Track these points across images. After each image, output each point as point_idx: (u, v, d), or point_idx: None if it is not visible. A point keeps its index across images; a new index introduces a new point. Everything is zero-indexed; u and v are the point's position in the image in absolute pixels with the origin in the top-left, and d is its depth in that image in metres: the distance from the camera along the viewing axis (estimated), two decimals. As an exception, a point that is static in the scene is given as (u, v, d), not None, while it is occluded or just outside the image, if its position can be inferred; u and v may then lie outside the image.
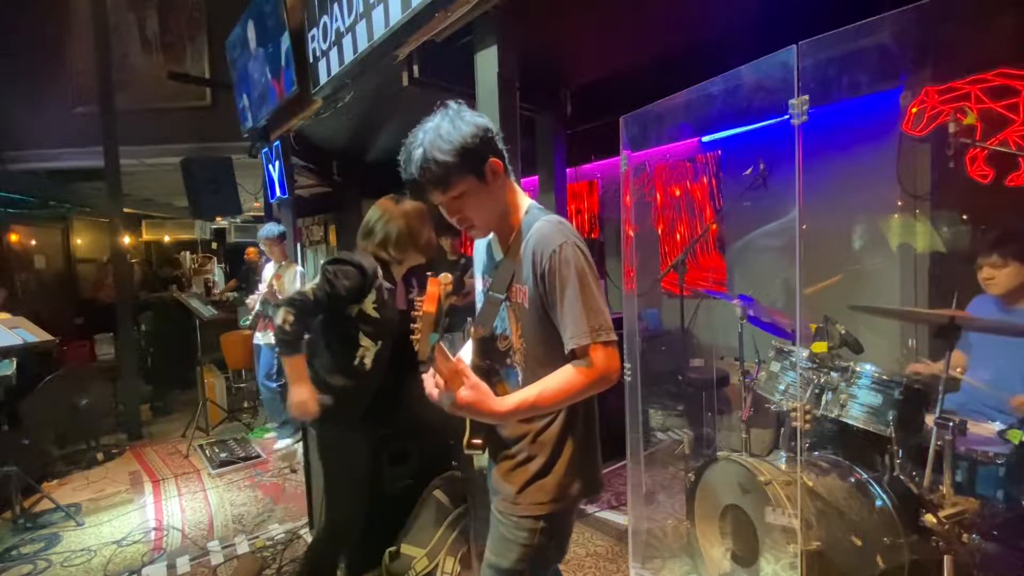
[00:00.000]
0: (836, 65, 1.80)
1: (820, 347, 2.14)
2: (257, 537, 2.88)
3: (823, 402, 2.08)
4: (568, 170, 4.46)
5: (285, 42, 4.03)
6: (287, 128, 4.81)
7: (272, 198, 5.33)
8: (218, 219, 9.09)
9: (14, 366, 3.32)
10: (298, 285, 4.21)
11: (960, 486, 1.75)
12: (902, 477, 1.87)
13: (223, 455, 4.04)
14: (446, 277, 1.09)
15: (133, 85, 5.65)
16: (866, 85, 2.99)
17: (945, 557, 1.65)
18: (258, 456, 4.02)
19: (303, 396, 1.86)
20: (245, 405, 5.29)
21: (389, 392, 2.10)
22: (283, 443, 4.19)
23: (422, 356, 1.02)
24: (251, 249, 6.97)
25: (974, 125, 2.36)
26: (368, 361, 1.98)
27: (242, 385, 5.53)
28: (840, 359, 2.16)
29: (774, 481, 1.86)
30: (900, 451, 1.89)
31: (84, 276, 7.65)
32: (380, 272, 1.99)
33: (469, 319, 3.00)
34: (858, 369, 2.02)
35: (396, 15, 2.82)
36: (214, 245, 10.34)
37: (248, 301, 4.32)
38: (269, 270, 4.31)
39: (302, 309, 1.83)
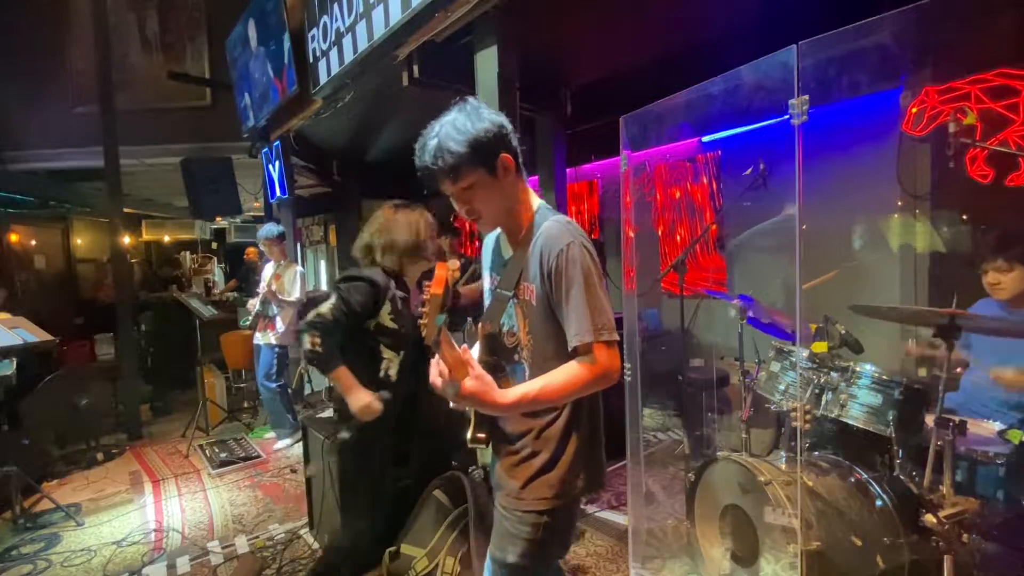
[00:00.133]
0: (836, 65, 1.80)
1: (820, 347, 2.14)
2: (257, 537, 2.88)
3: (823, 402, 2.08)
4: (568, 170, 4.46)
5: (287, 40, 4.03)
6: (287, 128, 4.81)
7: (272, 198, 5.34)
8: (218, 219, 9.10)
9: (14, 366, 3.32)
10: (298, 285, 4.21)
11: (960, 486, 1.75)
12: (902, 477, 1.87)
13: (223, 455, 4.04)
14: (454, 263, 1.13)
15: (133, 85, 5.65)
16: (866, 85, 2.99)
17: (945, 557, 1.65)
18: (258, 456, 4.02)
19: (363, 400, 1.89)
20: (245, 405, 5.29)
21: (415, 400, 2.11)
22: (283, 443, 4.19)
23: (429, 339, 1.04)
24: (251, 249, 6.98)
25: (974, 125, 2.35)
26: (393, 372, 2.00)
27: (242, 385, 5.53)
28: (840, 359, 2.16)
29: (774, 481, 1.86)
30: (900, 451, 1.89)
31: (84, 276, 7.66)
32: (392, 283, 2.00)
33: (469, 319, 3.01)
34: (858, 369, 2.02)
35: (396, 15, 2.82)
36: (214, 245, 10.35)
37: (249, 305, 4.32)
38: (269, 270, 4.31)
39: (324, 330, 1.87)
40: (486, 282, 1.43)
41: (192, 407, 4.73)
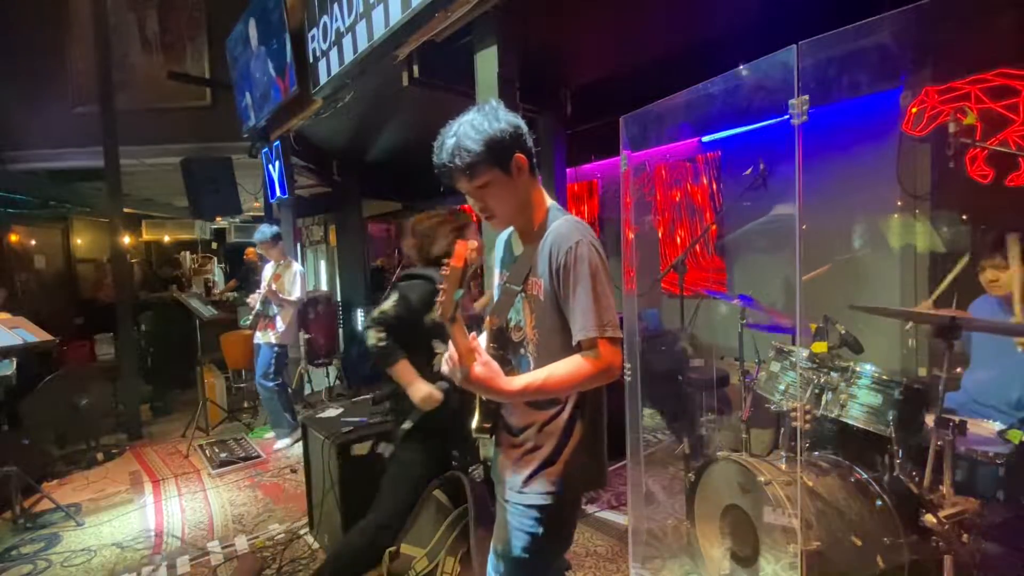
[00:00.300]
0: (836, 65, 1.80)
1: (820, 347, 2.14)
2: (257, 537, 2.88)
3: (823, 402, 2.08)
4: (568, 170, 4.46)
5: (289, 38, 4.03)
6: (287, 128, 4.81)
7: (272, 198, 5.34)
8: (218, 219, 9.09)
9: (14, 366, 3.32)
10: (298, 284, 4.22)
11: (960, 486, 1.75)
12: (902, 477, 1.87)
13: (223, 455, 4.04)
14: (473, 242, 1.16)
15: (133, 85, 5.65)
16: (866, 85, 2.99)
17: (945, 557, 1.65)
18: (258, 456, 4.02)
19: (424, 390, 1.97)
20: (245, 405, 5.29)
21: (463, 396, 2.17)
22: (283, 443, 4.19)
23: (445, 314, 1.07)
24: (251, 249, 6.97)
25: (974, 125, 2.35)
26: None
27: (242, 385, 5.53)
28: (840, 359, 2.16)
29: (774, 481, 1.86)
30: (900, 451, 1.89)
31: (84, 276, 7.66)
32: None
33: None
34: (858, 369, 2.02)
35: (396, 15, 2.82)
36: (214, 245, 10.35)
37: (249, 301, 4.32)
38: (269, 270, 4.31)
39: (387, 326, 1.97)
40: (495, 278, 1.47)
41: (192, 407, 4.73)
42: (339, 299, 6.69)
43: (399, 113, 4.45)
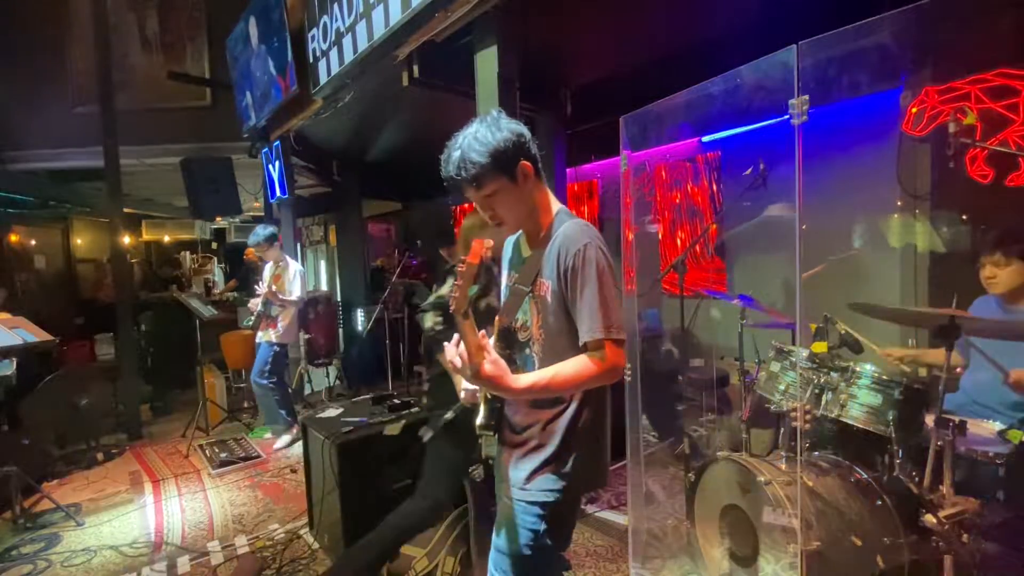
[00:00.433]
0: (836, 65, 1.80)
1: (820, 347, 2.14)
2: (257, 537, 2.88)
3: (823, 402, 2.08)
4: (568, 170, 4.45)
5: (289, 38, 4.03)
6: (287, 128, 4.81)
7: (272, 198, 5.34)
8: (218, 219, 9.09)
9: (14, 366, 3.32)
10: (298, 284, 4.22)
11: (960, 486, 1.75)
12: (902, 477, 1.87)
13: (223, 455, 4.04)
14: (488, 241, 1.19)
15: (133, 85, 5.65)
16: (866, 85, 2.99)
17: (945, 557, 1.65)
18: (258, 456, 4.02)
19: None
20: (245, 405, 5.28)
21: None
22: (282, 441, 4.20)
23: (459, 309, 1.12)
24: (251, 249, 6.98)
25: (974, 125, 2.35)
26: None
27: (242, 385, 5.53)
28: (840, 359, 2.15)
29: (774, 481, 1.86)
30: (900, 451, 1.89)
31: (84, 276, 7.66)
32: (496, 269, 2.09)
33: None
34: (858, 369, 2.02)
35: (396, 15, 2.82)
36: (214, 245, 10.35)
37: (251, 304, 4.33)
38: (268, 271, 4.32)
39: (445, 310, 1.96)
40: (504, 279, 1.51)
41: (192, 407, 4.73)
42: (339, 299, 6.69)
43: (399, 113, 4.45)
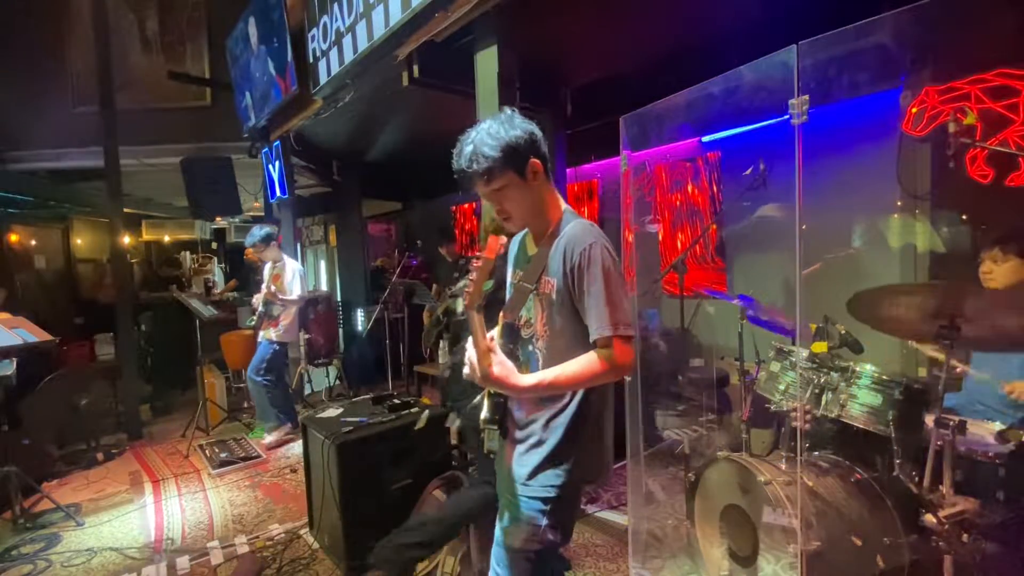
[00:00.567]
0: (836, 65, 1.80)
1: (820, 347, 2.14)
2: (257, 537, 2.88)
3: (823, 402, 2.08)
4: (568, 170, 4.45)
5: (289, 38, 4.03)
6: (287, 128, 4.81)
7: (272, 198, 5.34)
8: (218, 219, 9.08)
9: (14, 366, 3.32)
10: (297, 282, 4.22)
11: (960, 486, 1.75)
12: (902, 477, 1.87)
13: (223, 455, 4.04)
14: (503, 238, 1.22)
15: (133, 85, 5.65)
16: (866, 85, 2.99)
17: (945, 557, 1.65)
18: (258, 456, 4.02)
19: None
20: (245, 405, 5.28)
21: None
22: (268, 439, 4.22)
23: (473, 303, 1.15)
24: (249, 250, 6.98)
25: (974, 125, 2.35)
26: None
27: (242, 385, 5.52)
28: (840, 359, 2.15)
29: (774, 481, 1.86)
30: (900, 451, 1.89)
31: (84, 276, 7.65)
32: None
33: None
34: (858, 369, 2.02)
35: (396, 15, 2.82)
36: (214, 245, 10.34)
37: (253, 301, 4.34)
38: (268, 270, 4.32)
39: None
40: (509, 277, 1.53)
41: (192, 407, 4.73)
42: (339, 299, 6.69)
43: (399, 113, 4.45)
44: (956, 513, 1.67)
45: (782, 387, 2.27)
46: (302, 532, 2.88)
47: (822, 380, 2.10)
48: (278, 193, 5.17)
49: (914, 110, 2.80)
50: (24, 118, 5.72)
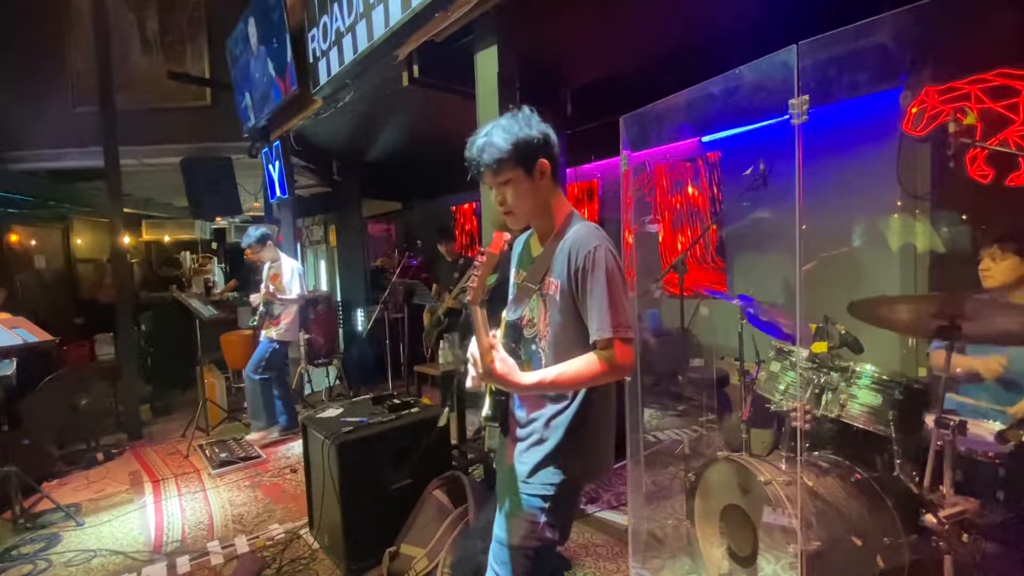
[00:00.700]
0: (836, 65, 1.80)
1: (820, 347, 2.14)
2: (257, 537, 2.88)
3: (823, 402, 2.08)
4: (568, 170, 4.45)
5: (289, 38, 4.03)
6: (287, 128, 4.82)
7: (272, 198, 5.34)
8: (218, 219, 9.09)
9: (14, 366, 3.32)
10: (296, 281, 4.23)
11: (960, 486, 1.75)
12: (902, 477, 1.87)
13: (223, 455, 4.03)
14: (507, 235, 1.23)
15: (133, 85, 5.65)
16: (866, 85, 2.99)
17: (945, 557, 1.65)
18: (258, 456, 4.02)
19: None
20: (245, 405, 5.27)
21: None
22: (251, 436, 4.25)
23: (476, 298, 1.17)
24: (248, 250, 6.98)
25: (974, 125, 2.35)
26: None
27: (242, 385, 5.51)
28: (840, 359, 2.15)
29: (774, 481, 1.86)
30: (900, 451, 1.89)
31: (84, 276, 7.65)
32: None
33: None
34: (858, 369, 2.02)
35: (396, 15, 2.82)
36: (214, 245, 10.35)
37: (253, 300, 4.35)
38: (267, 270, 4.33)
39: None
40: (513, 276, 1.55)
41: (192, 407, 4.73)
42: (339, 299, 6.69)
43: (399, 113, 4.45)
44: (956, 513, 1.67)
45: (782, 387, 2.27)
46: (302, 532, 2.88)
47: (822, 380, 2.10)
48: (278, 193, 5.17)
49: (914, 110, 2.80)
50: (24, 118, 5.72)
